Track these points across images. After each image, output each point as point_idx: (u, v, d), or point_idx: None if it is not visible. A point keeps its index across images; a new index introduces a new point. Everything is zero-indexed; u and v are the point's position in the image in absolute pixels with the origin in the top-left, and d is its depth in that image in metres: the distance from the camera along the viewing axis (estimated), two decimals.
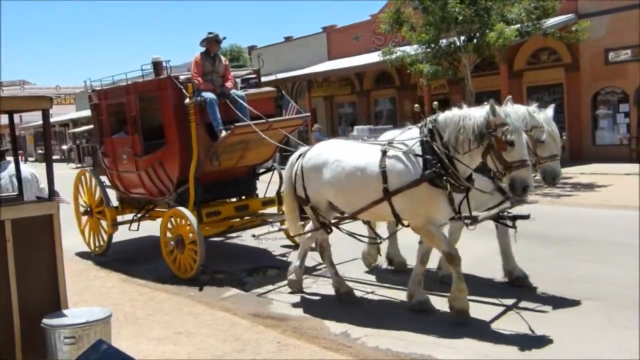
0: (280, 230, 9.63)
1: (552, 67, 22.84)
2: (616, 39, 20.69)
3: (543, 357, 5.64)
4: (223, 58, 9.77)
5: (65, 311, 5.45)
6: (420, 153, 6.50)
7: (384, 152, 6.80)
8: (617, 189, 15.24)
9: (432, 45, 18.39)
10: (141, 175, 9.97)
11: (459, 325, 6.40)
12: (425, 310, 6.91)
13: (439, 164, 6.30)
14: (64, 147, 54.01)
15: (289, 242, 10.31)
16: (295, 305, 7.66)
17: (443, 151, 6.32)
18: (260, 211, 10.36)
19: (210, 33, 9.49)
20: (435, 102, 7.48)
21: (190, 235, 8.81)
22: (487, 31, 17.09)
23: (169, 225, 9.34)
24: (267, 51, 30.36)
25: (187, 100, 8.96)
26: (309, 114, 11.53)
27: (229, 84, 9.56)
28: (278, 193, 10.17)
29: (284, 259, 9.98)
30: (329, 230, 7.74)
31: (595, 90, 21.53)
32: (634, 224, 10.26)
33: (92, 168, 11.70)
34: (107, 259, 10.92)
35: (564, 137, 22.95)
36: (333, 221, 7.82)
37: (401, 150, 6.68)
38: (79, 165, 43.25)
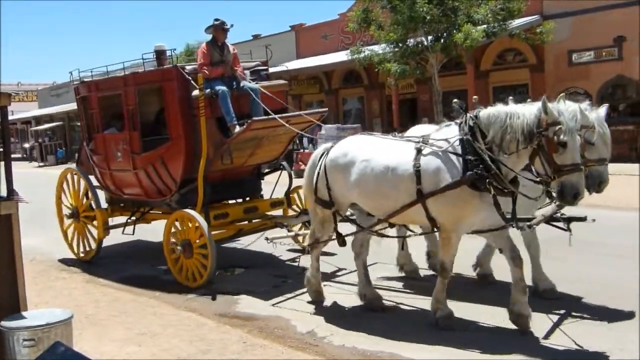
0: (297, 235, 9.36)
1: (518, 68, 23.15)
2: (579, 41, 21.06)
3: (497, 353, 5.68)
4: (231, 47, 9.02)
5: (24, 313, 5.32)
6: (460, 152, 5.97)
7: (419, 150, 6.24)
8: None
9: (400, 45, 18.51)
10: (138, 175, 9.21)
11: (444, 329, 6.23)
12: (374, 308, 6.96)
13: (481, 165, 5.77)
14: (26, 145, 53.07)
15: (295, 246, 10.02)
16: (262, 304, 7.59)
17: (486, 152, 5.79)
18: (268, 213, 9.72)
19: (216, 20, 8.78)
20: (475, 97, 6.94)
21: (199, 239, 8.20)
22: (454, 31, 17.26)
23: (174, 229, 8.68)
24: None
25: (195, 92, 8.34)
26: (326, 109, 10.95)
27: (240, 73, 8.90)
28: (287, 194, 9.81)
29: (294, 264, 9.43)
30: (344, 241, 7.22)
31: (560, 90, 21.69)
32: (603, 222, 10.33)
33: (77, 166, 10.84)
34: (71, 260, 10.65)
35: None
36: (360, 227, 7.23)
37: (438, 148, 6.14)
38: (41, 163, 42.55)
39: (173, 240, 8.65)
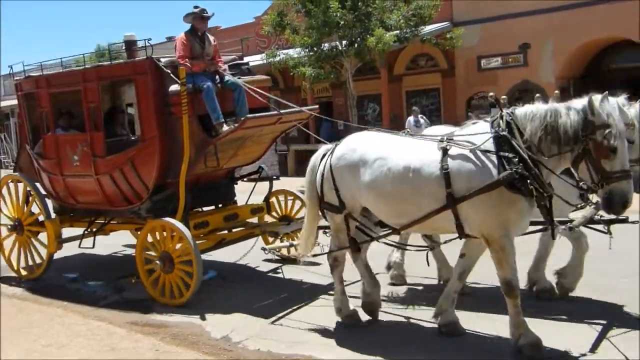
0: (292, 245, 8.58)
1: (430, 73, 23.75)
2: (488, 47, 21.81)
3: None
4: (211, 37, 8.21)
5: None
6: (494, 150, 5.35)
7: (445, 150, 5.54)
8: None
9: (315, 49, 18.61)
10: (101, 180, 8.16)
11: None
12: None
13: (520, 164, 5.16)
14: None
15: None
16: (176, 311, 7.41)
17: (525, 150, 5.21)
18: (248, 220, 8.91)
19: (195, 7, 7.96)
20: (553, 93, 5.70)
21: (182, 251, 7.40)
22: (368, 36, 17.52)
23: (149, 240, 7.81)
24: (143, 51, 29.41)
25: (173, 87, 7.51)
26: (317, 106, 10.17)
27: (221, 65, 8.12)
28: (267, 199, 9.12)
29: (277, 275, 8.75)
30: (359, 249, 6.48)
31: (469, 95, 22.58)
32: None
33: (16, 172, 9.59)
34: None
35: None
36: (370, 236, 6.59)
37: (468, 147, 5.47)
38: None
39: (149, 253, 7.80)
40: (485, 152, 5.39)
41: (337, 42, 18.48)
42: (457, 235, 5.83)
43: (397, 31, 18.31)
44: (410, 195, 5.69)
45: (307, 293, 7.78)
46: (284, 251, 9.18)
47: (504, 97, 5.68)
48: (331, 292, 7.05)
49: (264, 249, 7.96)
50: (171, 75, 7.58)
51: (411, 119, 19.14)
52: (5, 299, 8.44)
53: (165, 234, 7.59)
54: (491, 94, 6.40)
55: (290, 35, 19.24)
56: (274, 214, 9.41)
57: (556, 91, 5.72)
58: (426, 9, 18.30)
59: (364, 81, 23.18)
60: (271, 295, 7.71)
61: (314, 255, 7.11)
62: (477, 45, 21.83)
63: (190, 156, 7.51)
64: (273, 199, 9.36)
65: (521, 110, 5.43)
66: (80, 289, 8.67)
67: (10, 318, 7.51)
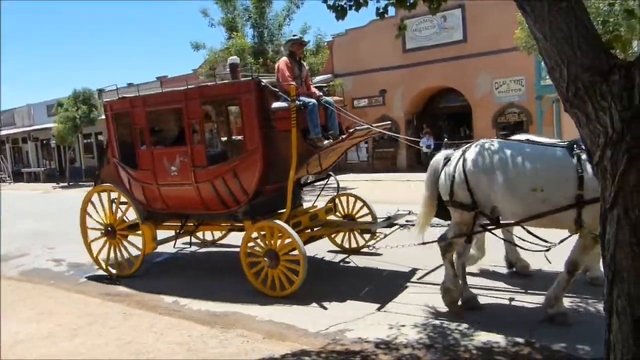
0: (407, 225, 6.72)
1: None
2: (359, 92, 22.44)
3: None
4: (304, 62, 6.99)
5: None
6: None
7: (579, 156, 4.58)
8: (361, 189, 16.50)
9: None
10: (200, 188, 6.72)
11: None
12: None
13: None
14: None
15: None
16: (139, 284, 7.21)
17: None
18: (330, 218, 7.57)
19: (294, 35, 6.96)
20: None
21: (288, 249, 6.14)
22: None
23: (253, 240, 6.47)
24: (112, 94, 28.02)
25: (275, 104, 6.27)
26: (390, 122, 8.87)
27: (314, 89, 6.87)
28: (333, 200, 7.87)
29: (347, 264, 7.48)
30: (470, 240, 5.51)
31: (346, 125, 23.08)
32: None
33: (98, 183, 7.94)
34: None
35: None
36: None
37: None
38: None
39: (252, 251, 6.46)
40: None
41: None
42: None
43: None
44: (545, 195, 4.70)
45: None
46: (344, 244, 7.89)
47: None
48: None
49: (369, 246, 6.83)
50: (280, 93, 6.34)
51: None
52: (6, 280, 7.97)
53: (268, 234, 6.30)
54: None
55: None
56: (337, 213, 7.95)
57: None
58: (315, 65, 18.74)
59: None
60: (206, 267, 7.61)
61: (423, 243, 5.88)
62: (351, 90, 22.34)
63: (295, 164, 6.27)
64: (336, 201, 7.97)
65: None
66: (64, 270, 8.29)
67: (10, 294, 7.12)
